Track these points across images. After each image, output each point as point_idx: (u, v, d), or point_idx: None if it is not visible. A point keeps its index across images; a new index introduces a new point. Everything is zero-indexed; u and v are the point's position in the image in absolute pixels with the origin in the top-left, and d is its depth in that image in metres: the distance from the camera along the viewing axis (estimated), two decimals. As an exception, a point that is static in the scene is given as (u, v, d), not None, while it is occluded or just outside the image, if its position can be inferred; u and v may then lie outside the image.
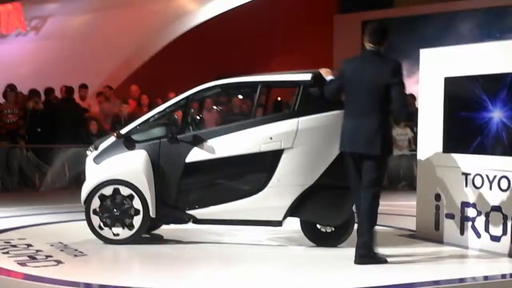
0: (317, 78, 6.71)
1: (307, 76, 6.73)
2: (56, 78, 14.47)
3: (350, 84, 6.06)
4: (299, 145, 6.56)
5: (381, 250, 6.20)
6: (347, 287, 5.09)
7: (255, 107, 7.03)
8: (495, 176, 6.56)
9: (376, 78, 5.90)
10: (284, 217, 6.62)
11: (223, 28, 17.07)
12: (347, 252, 6.49)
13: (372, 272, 5.70)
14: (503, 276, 5.68)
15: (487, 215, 6.61)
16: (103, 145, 7.00)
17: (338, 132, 6.49)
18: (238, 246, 6.82)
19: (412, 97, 12.85)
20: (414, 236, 7.34)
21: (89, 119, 13.21)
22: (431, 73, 7.25)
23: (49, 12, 17.84)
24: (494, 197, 6.54)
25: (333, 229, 6.76)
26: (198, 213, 6.70)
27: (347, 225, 6.72)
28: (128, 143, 6.86)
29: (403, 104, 6.00)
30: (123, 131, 6.94)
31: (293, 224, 6.92)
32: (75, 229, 7.45)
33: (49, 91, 13.37)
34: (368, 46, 6.05)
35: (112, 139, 6.99)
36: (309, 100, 6.68)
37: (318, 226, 6.78)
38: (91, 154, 7.03)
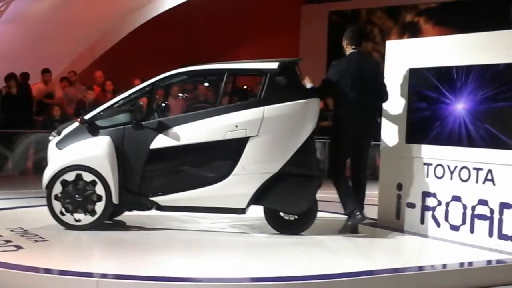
0: (284, 67, 6.73)
1: (273, 65, 6.75)
2: (20, 62, 14.22)
3: (350, 81, 6.79)
4: (264, 133, 6.58)
5: (342, 238, 6.26)
6: (308, 274, 5.13)
7: (221, 95, 7.03)
8: (455, 167, 6.68)
9: (370, 74, 6.88)
10: (248, 205, 6.64)
11: (189, 15, 16.99)
12: (309, 239, 6.56)
13: (335, 260, 5.77)
14: (461, 264, 5.79)
15: (447, 205, 6.73)
16: (66, 131, 6.93)
17: (303, 121, 6.61)
18: (201, 233, 6.83)
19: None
20: (376, 225, 7.43)
21: (52, 105, 13.04)
22: (397, 65, 7.32)
23: (12, -5, 17.50)
24: (454, 187, 6.66)
25: (296, 217, 6.80)
26: (161, 199, 6.69)
27: (310, 213, 6.77)
28: (92, 129, 6.80)
29: (387, 96, 7.03)
30: (87, 116, 6.87)
31: (257, 211, 6.95)
32: (36, 214, 7.35)
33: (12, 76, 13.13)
34: (351, 48, 6.97)
35: (75, 124, 6.92)
36: (275, 89, 6.70)
37: (281, 214, 6.82)
38: (53, 139, 6.95)
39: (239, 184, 6.58)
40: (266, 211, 6.84)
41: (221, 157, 6.71)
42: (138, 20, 16.51)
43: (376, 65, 7.14)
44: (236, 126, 6.60)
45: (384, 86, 7.00)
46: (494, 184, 6.34)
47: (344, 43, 7.02)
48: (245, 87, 11.79)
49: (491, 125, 6.38)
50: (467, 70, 6.60)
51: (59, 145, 6.85)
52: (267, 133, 6.58)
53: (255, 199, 6.62)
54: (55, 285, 4.82)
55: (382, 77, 7.10)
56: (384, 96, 7.02)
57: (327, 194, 9.16)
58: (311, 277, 5.04)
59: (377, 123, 7.30)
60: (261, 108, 6.62)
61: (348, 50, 7.01)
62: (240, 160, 6.59)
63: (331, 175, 6.99)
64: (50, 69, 13.67)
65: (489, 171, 6.37)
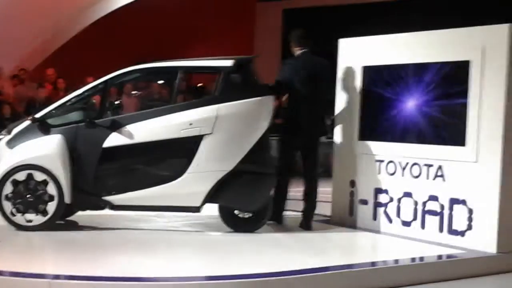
0: (239, 64, 6.74)
1: (228, 62, 6.75)
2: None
3: (301, 79, 6.99)
4: (219, 131, 6.58)
5: (297, 235, 6.29)
6: (263, 271, 5.15)
7: (175, 93, 7.00)
8: (407, 163, 6.79)
9: (319, 73, 7.09)
10: (203, 203, 6.64)
11: (143, 12, 16.85)
12: (264, 237, 6.59)
13: (289, 257, 5.80)
14: (413, 259, 5.89)
15: (399, 201, 6.84)
16: (16, 129, 6.81)
17: (258, 119, 6.64)
18: (155, 232, 6.79)
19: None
20: (329, 222, 7.51)
21: (2, 102, 12.77)
22: (349, 62, 7.41)
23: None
24: (406, 183, 6.78)
25: (250, 214, 6.82)
26: (115, 199, 6.63)
27: (264, 211, 6.80)
28: (43, 127, 6.70)
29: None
30: (38, 115, 6.77)
31: (211, 210, 6.94)
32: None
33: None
34: (299, 49, 7.22)
35: (26, 123, 6.81)
36: (229, 86, 6.71)
37: (236, 211, 6.83)
38: (4, 138, 6.83)
39: (193, 183, 6.57)
40: (221, 209, 6.84)
41: (175, 156, 6.69)
42: (91, 17, 16.30)
43: (325, 64, 7.28)
44: (190, 124, 6.59)
45: (333, 84, 7.36)
46: (444, 180, 6.47)
47: (292, 44, 7.30)
48: (199, 84, 11.76)
49: (440, 122, 6.51)
50: (417, 67, 6.71)
51: (10, 144, 6.73)
52: (222, 131, 6.58)
53: (210, 197, 6.61)
54: (7, 287, 4.73)
55: (331, 76, 7.34)
56: (331, 94, 7.43)
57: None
58: (265, 274, 5.06)
59: (324, 121, 7.53)
60: (216, 106, 6.62)
61: (297, 51, 7.25)
62: (195, 158, 6.58)
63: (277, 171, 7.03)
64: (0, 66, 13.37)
65: (439, 167, 6.50)
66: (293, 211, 7.85)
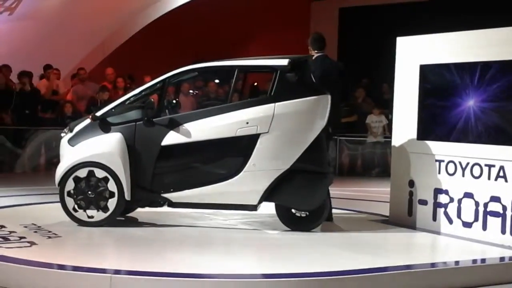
0: (294, 63, 6.73)
1: (284, 62, 6.74)
2: (31, 59, 14.29)
3: (317, 82, 6.96)
4: (275, 130, 6.58)
5: (354, 235, 6.23)
6: (321, 271, 5.13)
7: (232, 92, 7.04)
8: (467, 163, 6.65)
9: (335, 76, 7.30)
10: (259, 201, 6.64)
11: (200, 12, 17.00)
12: (321, 236, 6.57)
13: (346, 257, 5.76)
14: (474, 261, 5.77)
15: (459, 202, 6.71)
16: (78, 127, 6.95)
17: (313, 118, 6.60)
18: (212, 230, 6.84)
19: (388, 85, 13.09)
20: (387, 222, 7.42)
21: (60, 101, 13.09)
22: (407, 61, 7.31)
23: (24, -7, 17.56)
24: (466, 183, 6.64)
25: (307, 213, 6.79)
26: (173, 196, 6.70)
27: (321, 210, 6.76)
28: (104, 125, 6.82)
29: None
30: (99, 113, 6.89)
31: (268, 208, 6.95)
32: (49, 211, 7.39)
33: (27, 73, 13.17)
34: (315, 52, 7.44)
35: (87, 121, 6.95)
36: (285, 85, 6.70)
37: (293, 210, 6.81)
38: (65, 136, 6.98)
39: (250, 181, 6.58)
40: (277, 208, 6.83)
41: (232, 154, 6.72)
42: (149, 17, 16.54)
43: (341, 67, 7.53)
44: (247, 123, 6.60)
45: (348, 87, 7.65)
46: (506, 180, 6.31)
47: (309, 48, 7.53)
48: (255, 83, 11.82)
49: (502, 122, 6.36)
50: (478, 66, 6.56)
51: (71, 141, 6.88)
52: (278, 129, 6.58)
53: (267, 196, 6.62)
54: (69, 281, 4.85)
55: (346, 79, 7.55)
56: (347, 97, 7.80)
57: (338, 191, 9.18)
58: (324, 273, 5.04)
59: (339, 123, 7.69)
60: (272, 104, 6.62)
61: (314, 54, 7.47)
62: (251, 157, 6.59)
63: None
64: (52, 65, 13.66)
65: (501, 167, 6.35)
66: (344, 209, 7.80)
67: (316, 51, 7.46)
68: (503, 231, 6.31)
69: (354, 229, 7.02)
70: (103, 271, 4.91)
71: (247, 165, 6.60)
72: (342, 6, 19.70)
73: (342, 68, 7.56)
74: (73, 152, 6.78)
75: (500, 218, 6.34)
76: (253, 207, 6.70)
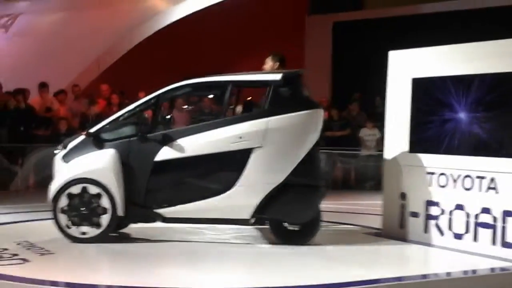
0: (287, 78, 6.79)
1: (277, 76, 6.81)
2: (26, 76, 14.34)
3: None
4: (269, 144, 6.62)
5: (347, 248, 6.26)
6: (314, 283, 5.16)
7: (225, 107, 7.09)
8: (459, 176, 6.71)
9: None
10: (252, 216, 6.67)
11: (194, 28, 17.09)
12: (314, 250, 6.59)
13: (339, 270, 5.79)
14: (465, 272, 5.81)
15: (450, 213, 6.76)
16: (72, 144, 6.98)
17: (306, 132, 6.65)
18: (206, 244, 6.86)
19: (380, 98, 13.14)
20: (380, 234, 7.46)
21: (55, 118, 13.12)
22: (399, 74, 7.38)
23: (19, 10, 17.66)
24: (458, 196, 6.69)
25: (300, 227, 6.82)
26: (166, 211, 6.73)
27: (314, 224, 6.79)
28: (97, 142, 6.85)
29: None
30: (93, 130, 6.94)
31: (261, 222, 6.97)
32: (42, 228, 7.40)
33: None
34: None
35: (81, 137, 6.99)
36: (279, 100, 6.76)
37: (285, 224, 6.84)
38: (59, 153, 7.01)
39: (243, 195, 6.62)
40: (270, 222, 6.87)
41: (225, 169, 6.75)
42: (143, 34, 16.62)
43: None
44: (240, 138, 6.65)
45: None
46: (497, 192, 6.36)
47: (276, 66, 7.87)
48: (249, 98, 11.88)
49: (493, 134, 6.42)
50: (469, 79, 6.63)
51: (65, 158, 6.91)
52: (271, 144, 6.62)
53: (260, 210, 6.65)
54: (62, 297, 4.87)
55: None
56: None
57: (332, 205, 9.22)
58: (316, 286, 5.07)
59: None
60: (265, 119, 6.68)
61: (272, 67, 7.79)
62: (244, 171, 6.63)
63: None
64: (47, 82, 13.66)
65: (492, 179, 6.40)
66: (337, 223, 7.82)
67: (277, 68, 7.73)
68: (494, 242, 6.35)
69: (347, 242, 7.05)
70: (96, 287, 4.94)
71: (240, 180, 6.64)
72: (337, 20, 19.82)
73: None
74: (66, 168, 6.81)
75: (491, 229, 6.39)
76: (246, 222, 6.73)
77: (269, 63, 7.98)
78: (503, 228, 6.29)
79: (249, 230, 7.43)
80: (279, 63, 7.93)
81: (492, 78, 6.43)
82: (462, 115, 6.69)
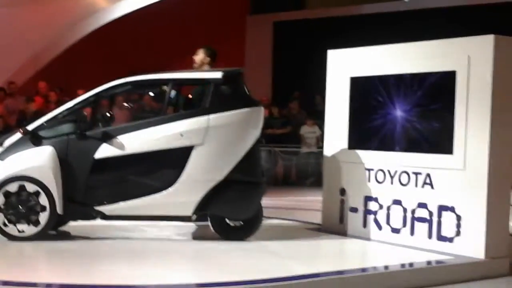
0: (228, 76, 6.82)
1: (218, 74, 6.84)
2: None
3: None
4: (210, 142, 6.64)
5: (288, 243, 6.33)
6: (256, 278, 5.20)
7: (166, 104, 7.06)
8: (395, 171, 6.87)
9: None
10: (194, 212, 6.68)
11: (135, 26, 16.96)
12: (256, 245, 6.65)
13: (280, 264, 5.86)
14: (402, 265, 5.96)
15: (388, 208, 6.92)
16: (8, 141, 6.84)
17: (247, 129, 6.70)
18: (146, 242, 6.83)
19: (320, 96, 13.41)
20: (320, 230, 7.57)
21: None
22: (338, 73, 7.50)
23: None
24: (395, 191, 6.85)
25: (241, 223, 6.87)
26: (106, 209, 6.67)
27: (255, 219, 6.85)
28: (35, 139, 6.73)
29: None
30: (30, 127, 6.81)
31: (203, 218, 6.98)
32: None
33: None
34: (207, 65, 7.90)
35: (18, 135, 6.85)
36: (219, 97, 6.78)
37: (227, 220, 6.88)
38: (-5, 151, 6.86)
39: (184, 192, 6.62)
40: (212, 218, 6.89)
41: (166, 166, 6.74)
42: (83, 31, 16.39)
43: None
44: (181, 135, 6.65)
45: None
46: (432, 187, 6.55)
47: (206, 60, 8.01)
48: (189, 96, 11.87)
49: (428, 131, 6.60)
50: (404, 78, 6.80)
51: (1, 156, 6.76)
52: (212, 141, 6.65)
53: (201, 207, 6.66)
54: (-1, 296, 4.77)
55: None
56: None
57: (273, 201, 9.31)
58: (258, 281, 5.10)
59: None
60: (206, 117, 6.69)
61: (206, 66, 7.97)
62: (185, 168, 6.64)
63: None
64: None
65: (428, 175, 6.58)
66: (278, 218, 7.89)
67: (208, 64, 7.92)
68: (430, 236, 6.53)
69: (288, 237, 7.13)
70: (34, 285, 4.86)
71: (181, 177, 6.63)
72: (277, 19, 19.98)
73: None
74: (3, 166, 6.66)
75: (427, 224, 6.57)
76: (188, 218, 6.73)
77: (200, 54, 8.03)
78: (439, 222, 6.47)
79: (191, 226, 7.42)
80: (210, 58, 7.99)
81: (426, 77, 6.61)
82: (398, 113, 6.86)
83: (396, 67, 6.90)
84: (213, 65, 7.94)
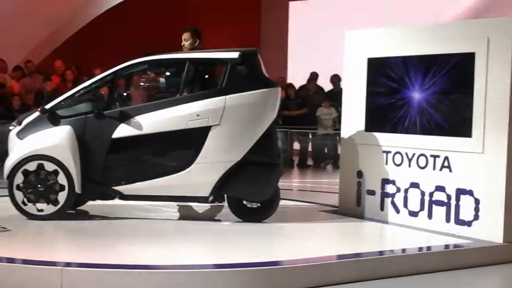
0: (245, 56, 6.79)
1: (234, 54, 6.79)
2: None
3: None
4: (226, 122, 6.63)
5: (304, 225, 6.33)
6: (271, 260, 5.22)
7: (183, 84, 7.05)
8: (413, 154, 6.83)
9: None
10: (211, 193, 6.69)
11: (151, 4, 16.89)
12: (272, 227, 6.66)
13: (295, 246, 5.86)
14: (420, 249, 5.94)
15: (405, 191, 6.89)
16: (27, 120, 6.87)
17: (265, 110, 6.69)
18: (165, 222, 6.86)
19: (337, 78, 13.37)
20: (337, 212, 7.56)
21: (6, 95, 12.85)
22: (355, 54, 7.44)
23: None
24: (413, 174, 6.82)
25: (259, 204, 6.87)
26: (124, 189, 6.69)
27: (272, 201, 6.85)
28: (53, 118, 6.75)
29: None
30: (48, 106, 6.83)
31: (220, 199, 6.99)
32: (-3, 205, 7.29)
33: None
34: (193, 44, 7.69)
35: (36, 114, 6.87)
36: (236, 78, 6.75)
37: (244, 202, 6.88)
38: (14, 129, 6.89)
39: (201, 173, 6.62)
40: (229, 200, 6.90)
41: (183, 146, 6.74)
42: (99, 9, 16.36)
43: None
44: (198, 115, 6.64)
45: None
46: (450, 171, 6.51)
47: (196, 42, 7.75)
48: (206, 76, 11.84)
49: (446, 113, 6.54)
50: (423, 59, 6.73)
51: (20, 135, 6.80)
52: (229, 122, 6.63)
53: (218, 188, 6.67)
54: (19, 274, 4.81)
55: None
56: None
57: (289, 183, 9.31)
58: (271, 263, 5.12)
59: None
60: (223, 97, 6.67)
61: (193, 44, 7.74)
62: (202, 149, 6.63)
63: None
64: (4, 59, 13.41)
65: (446, 158, 6.54)
66: (295, 200, 7.87)
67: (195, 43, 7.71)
68: (448, 220, 6.51)
69: (304, 220, 7.13)
70: (53, 263, 4.89)
71: (198, 157, 6.63)
72: (292, -1, 19.83)
73: None
74: (22, 145, 6.70)
75: (444, 207, 6.54)
76: (205, 199, 6.74)
77: (189, 40, 7.81)
78: (457, 205, 6.44)
79: (208, 207, 7.44)
80: (198, 38, 7.79)
81: (445, 59, 6.54)
82: (416, 95, 6.80)
83: (414, 49, 6.83)
84: (202, 44, 7.84)
